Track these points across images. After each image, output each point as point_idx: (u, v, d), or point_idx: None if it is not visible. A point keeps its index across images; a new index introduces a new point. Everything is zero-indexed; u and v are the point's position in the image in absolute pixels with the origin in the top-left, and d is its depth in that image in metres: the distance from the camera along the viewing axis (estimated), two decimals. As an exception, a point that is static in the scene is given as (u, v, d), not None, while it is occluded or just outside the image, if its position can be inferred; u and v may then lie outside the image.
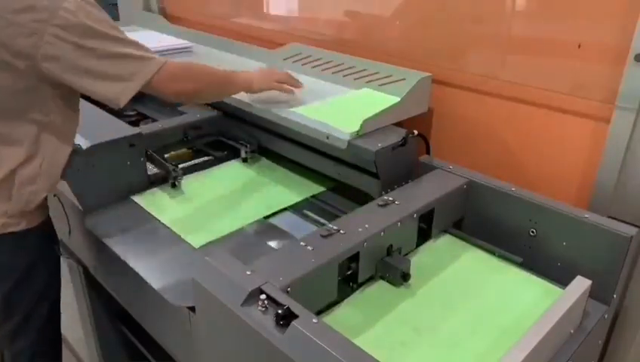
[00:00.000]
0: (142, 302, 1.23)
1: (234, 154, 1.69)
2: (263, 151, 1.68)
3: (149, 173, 1.49)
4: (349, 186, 1.43)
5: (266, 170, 1.64)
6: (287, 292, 0.90)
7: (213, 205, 1.43)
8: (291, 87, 1.53)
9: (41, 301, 1.31)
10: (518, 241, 1.21)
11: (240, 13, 2.23)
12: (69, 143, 1.25)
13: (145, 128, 1.56)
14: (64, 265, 1.61)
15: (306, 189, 1.52)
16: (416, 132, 1.33)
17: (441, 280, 1.14)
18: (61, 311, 1.39)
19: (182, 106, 1.77)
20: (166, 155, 1.63)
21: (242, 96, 1.53)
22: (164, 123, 1.64)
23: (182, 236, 1.28)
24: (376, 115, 1.35)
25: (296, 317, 0.81)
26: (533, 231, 1.19)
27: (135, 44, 1.17)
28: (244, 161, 1.66)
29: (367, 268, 1.07)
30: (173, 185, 1.48)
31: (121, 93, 1.15)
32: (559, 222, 1.14)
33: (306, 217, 1.42)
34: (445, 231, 1.30)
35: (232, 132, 1.71)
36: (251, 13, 2.18)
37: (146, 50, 1.19)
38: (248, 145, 1.65)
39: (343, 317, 1.03)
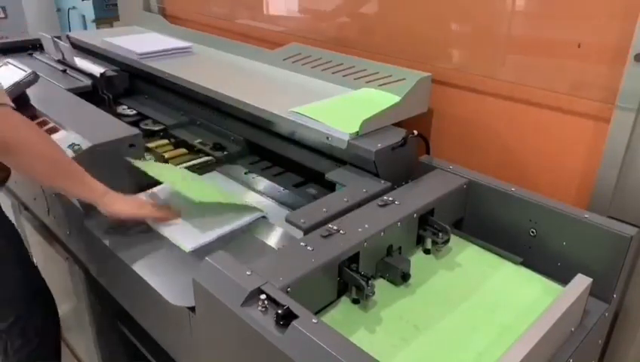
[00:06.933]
0: (142, 302, 1.23)
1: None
2: (261, 152, 1.68)
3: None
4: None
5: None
6: (287, 292, 0.90)
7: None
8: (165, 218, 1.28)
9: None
10: (518, 241, 1.21)
11: (240, 13, 2.22)
12: None
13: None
14: (64, 265, 1.61)
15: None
16: (416, 132, 1.32)
17: (441, 279, 1.14)
18: (61, 311, 1.39)
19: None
20: (149, 145, 1.64)
21: (241, 95, 1.53)
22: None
23: (174, 241, 1.24)
24: (375, 115, 1.35)
25: (296, 317, 0.81)
26: (533, 231, 1.19)
27: None
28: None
29: (367, 268, 1.07)
30: (356, 301, 1.07)
31: None
32: (559, 222, 1.14)
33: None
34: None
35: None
36: (251, 13, 2.17)
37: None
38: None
39: (343, 315, 1.03)
